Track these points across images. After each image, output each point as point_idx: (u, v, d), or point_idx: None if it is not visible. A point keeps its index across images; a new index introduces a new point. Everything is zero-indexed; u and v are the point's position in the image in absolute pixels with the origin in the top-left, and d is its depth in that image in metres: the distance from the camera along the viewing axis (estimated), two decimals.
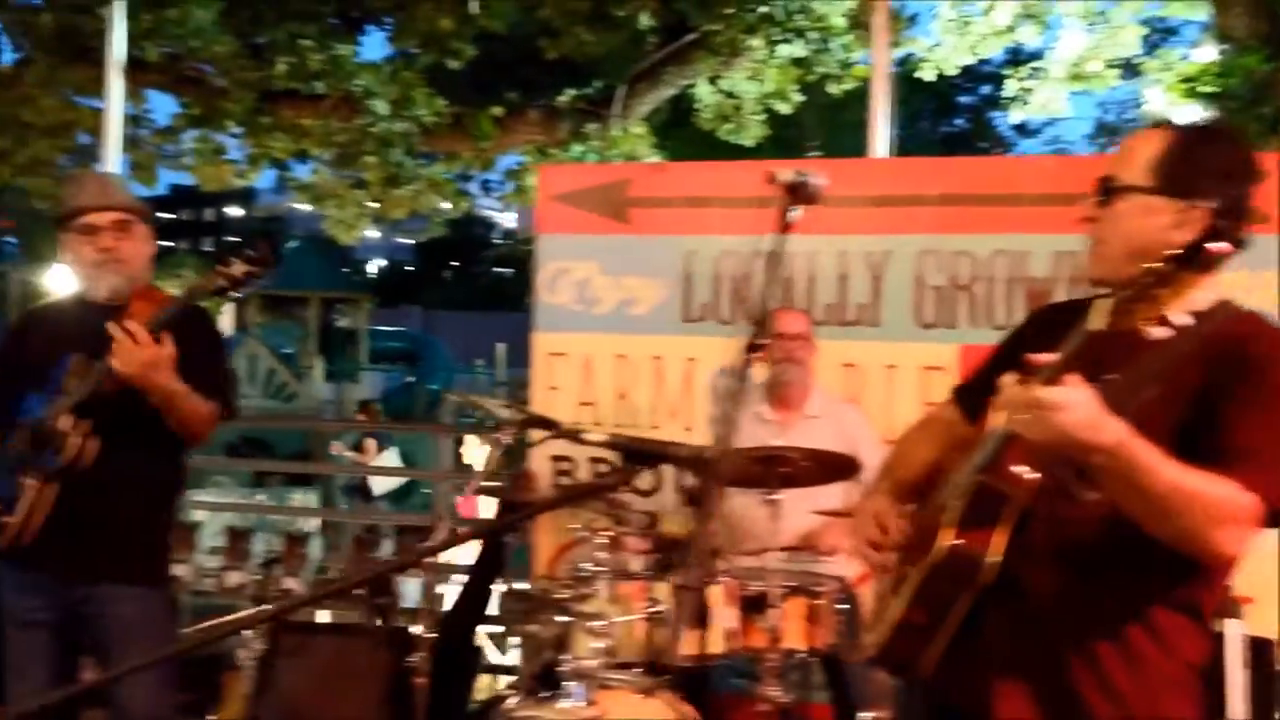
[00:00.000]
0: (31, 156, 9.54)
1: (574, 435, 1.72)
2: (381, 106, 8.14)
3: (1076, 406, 1.83)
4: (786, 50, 9.04)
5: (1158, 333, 1.91)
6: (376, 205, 9.58)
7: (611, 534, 3.50)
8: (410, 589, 6.06)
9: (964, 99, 18.09)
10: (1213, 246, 1.75)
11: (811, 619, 3.61)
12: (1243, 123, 8.16)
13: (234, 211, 49.24)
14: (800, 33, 8.25)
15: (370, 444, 11.36)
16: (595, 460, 5.00)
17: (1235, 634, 3.81)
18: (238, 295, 2.92)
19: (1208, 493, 1.89)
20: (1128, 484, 1.90)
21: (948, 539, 2.10)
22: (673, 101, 9.52)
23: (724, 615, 3.52)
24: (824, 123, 13.99)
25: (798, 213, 2.21)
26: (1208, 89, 8.43)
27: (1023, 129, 21.66)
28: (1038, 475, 2.06)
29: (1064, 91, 10.86)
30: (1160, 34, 11.12)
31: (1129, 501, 1.93)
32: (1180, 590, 2.07)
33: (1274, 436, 1.94)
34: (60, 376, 3.06)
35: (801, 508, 3.95)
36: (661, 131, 9.70)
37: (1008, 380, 1.94)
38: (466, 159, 9.29)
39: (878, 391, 4.88)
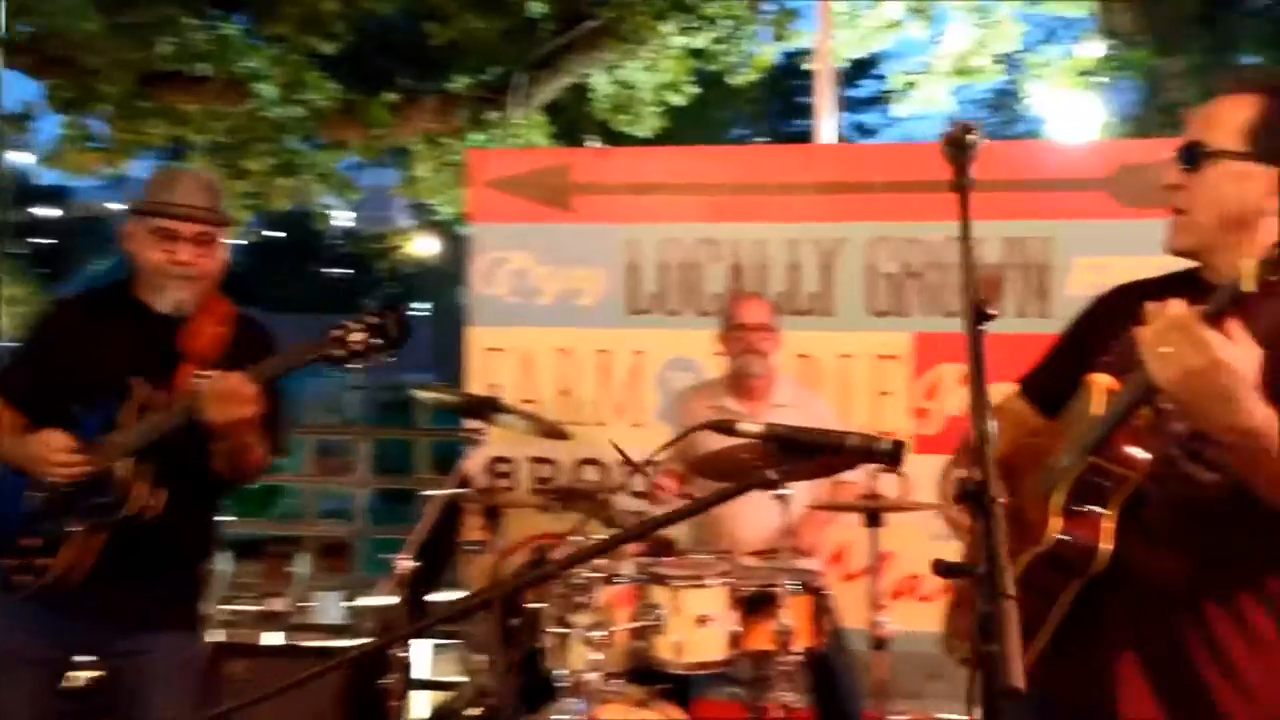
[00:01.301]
0: None
1: (727, 428, 1.52)
2: (270, 90, 7.68)
3: (1236, 367, 1.68)
4: (683, 40, 8.91)
5: None
6: (255, 199, 9.07)
7: (603, 537, 3.30)
8: (329, 605, 5.73)
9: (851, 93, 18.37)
10: None
11: (816, 619, 3.47)
12: (1137, 115, 8.42)
13: (48, 212, 45.77)
14: (711, 20, 8.12)
15: None
16: (584, 462, 4.79)
17: None
18: (353, 367, 2.53)
19: None
20: (1260, 464, 1.79)
21: (1057, 526, 1.97)
22: (570, 91, 9.29)
23: (726, 618, 3.34)
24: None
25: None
26: (1100, 81, 8.69)
27: (861, 129, 22.19)
28: (1149, 456, 1.93)
29: (948, 86, 11.07)
30: (1042, 29, 11.36)
31: (1256, 479, 1.82)
32: None
33: None
34: (115, 403, 2.68)
35: (770, 506, 3.81)
36: (561, 121, 9.45)
37: (1173, 303, 1.77)
38: (356, 148, 8.89)
39: (832, 381, 4.78)
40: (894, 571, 4.44)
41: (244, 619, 5.32)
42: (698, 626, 3.32)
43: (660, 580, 3.36)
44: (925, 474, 2.72)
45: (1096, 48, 9.26)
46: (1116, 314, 2.18)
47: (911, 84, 11.01)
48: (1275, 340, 1.84)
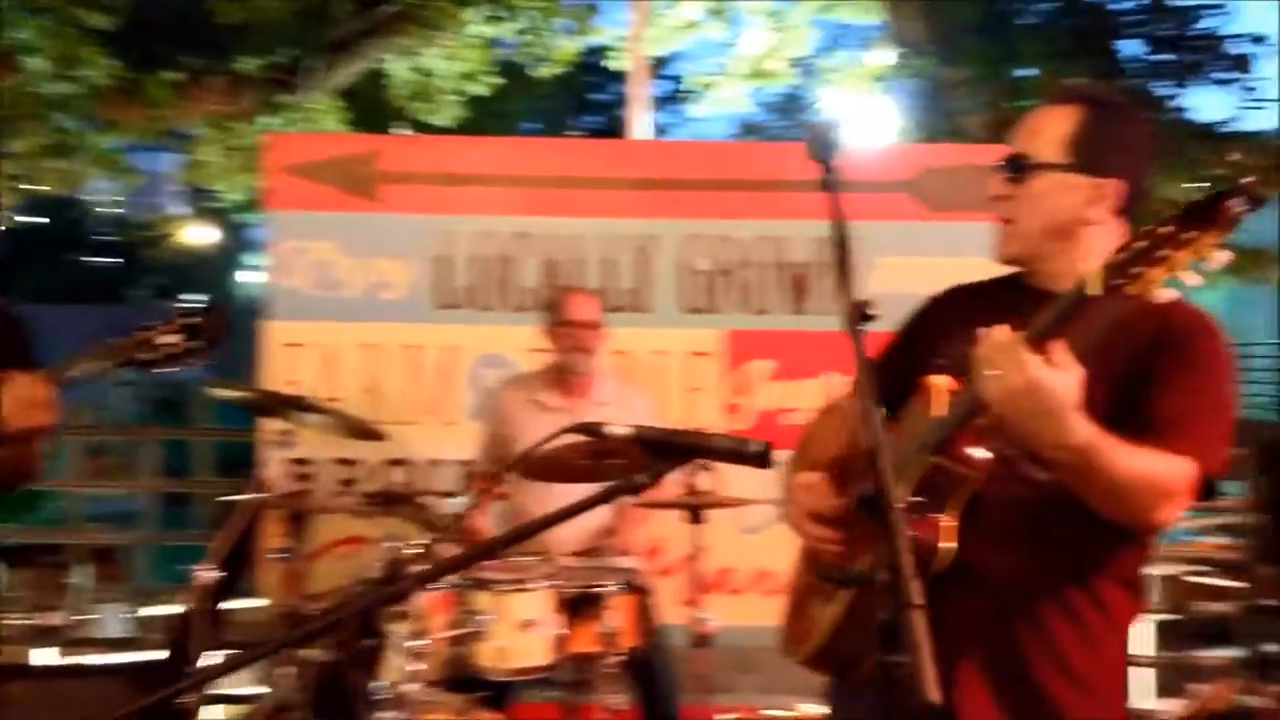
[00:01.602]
0: None
1: (595, 431, 1.43)
2: (40, 64, 7.10)
3: (1057, 390, 1.74)
4: (487, 30, 8.77)
5: (1165, 295, 1.81)
6: (22, 181, 8.40)
7: (424, 542, 3.16)
8: (109, 618, 5.34)
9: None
10: (1232, 203, 1.58)
11: (639, 618, 3.42)
12: (925, 120, 8.77)
13: None
14: (513, 10, 7.99)
15: None
16: (391, 462, 4.59)
17: None
18: (165, 370, 2.25)
19: (1157, 471, 1.87)
20: (1082, 477, 1.85)
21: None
22: (368, 77, 8.99)
23: (550, 622, 3.26)
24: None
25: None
26: (891, 87, 9.01)
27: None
28: (990, 455, 1.96)
29: (745, 88, 11.30)
30: (835, 36, 11.73)
31: (1084, 487, 1.88)
32: (1119, 562, 2.05)
33: (1203, 405, 1.95)
34: None
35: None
36: (357, 107, 9.14)
37: (998, 330, 1.81)
38: (134, 129, 8.33)
39: (646, 378, 4.75)
40: (706, 565, 4.46)
41: (13, 634, 4.88)
42: (522, 631, 3.23)
43: (483, 585, 3.24)
44: (737, 469, 2.71)
45: (887, 55, 9.61)
46: (949, 315, 2.21)
47: (709, 84, 11.20)
48: (1114, 342, 1.90)
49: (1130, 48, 9.85)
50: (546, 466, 3.32)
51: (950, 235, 4.63)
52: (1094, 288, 1.69)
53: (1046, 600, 2.02)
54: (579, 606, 3.37)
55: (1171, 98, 9.22)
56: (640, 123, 5.13)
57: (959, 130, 8.33)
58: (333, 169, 4.79)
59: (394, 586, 1.54)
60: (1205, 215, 1.62)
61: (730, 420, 4.83)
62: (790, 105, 16.56)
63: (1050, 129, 2.07)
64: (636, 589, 3.58)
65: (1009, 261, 2.16)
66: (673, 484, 3.99)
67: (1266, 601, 5.26)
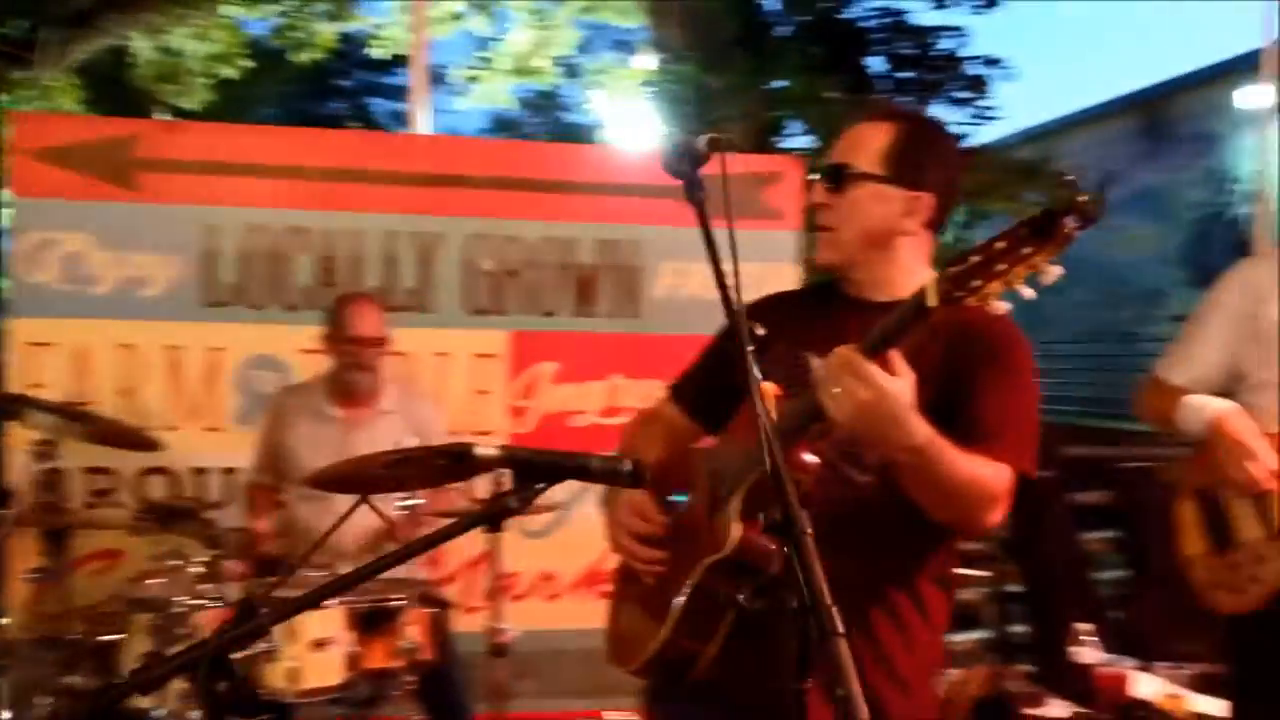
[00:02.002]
0: None
1: (461, 453, 1.34)
2: None
3: (900, 396, 1.79)
4: (241, 12, 8.35)
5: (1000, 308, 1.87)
6: None
7: (207, 559, 2.95)
8: None
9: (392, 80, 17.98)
10: (1068, 221, 1.62)
11: (433, 630, 3.32)
12: (688, 127, 8.92)
13: None
14: None
15: None
16: (149, 471, 4.26)
17: None
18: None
19: (985, 476, 1.95)
20: (923, 477, 1.91)
21: (737, 532, 1.98)
22: (110, 55, 8.37)
23: (344, 639, 3.11)
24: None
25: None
26: (652, 93, 9.13)
27: (398, 117, 22.02)
28: (818, 460, 2.00)
29: (507, 84, 11.21)
30: (597, 37, 11.81)
31: (919, 490, 1.94)
32: (935, 562, 2.14)
33: (1019, 413, 2.06)
34: None
35: (367, 511, 3.60)
36: (94, 87, 8.49)
37: (841, 349, 1.84)
38: None
39: (429, 381, 4.63)
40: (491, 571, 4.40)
41: None
42: (314, 650, 3.07)
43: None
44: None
45: (650, 60, 9.75)
46: (768, 321, 2.24)
47: (475, 78, 11.06)
48: (927, 348, 1.97)
49: (877, 64, 10.39)
50: (337, 478, 3.16)
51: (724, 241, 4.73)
52: (932, 299, 1.74)
53: (874, 605, 2.08)
54: (372, 621, 3.24)
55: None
56: (422, 116, 4.98)
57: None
58: (85, 154, 4.41)
59: (252, 623, 1.40)
60: (1042, 232, 1.68)
61: (514, 423, 4.76)
62: (547, 103, 16.59)
63: (869, 142, 2.13)
64: (432, 601, 3.47)
65: (828, 268, 2.21)
66: (460, 491, 3.92)
67: (1010, 588, 5.66)
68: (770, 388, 2.06)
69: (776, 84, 9.67)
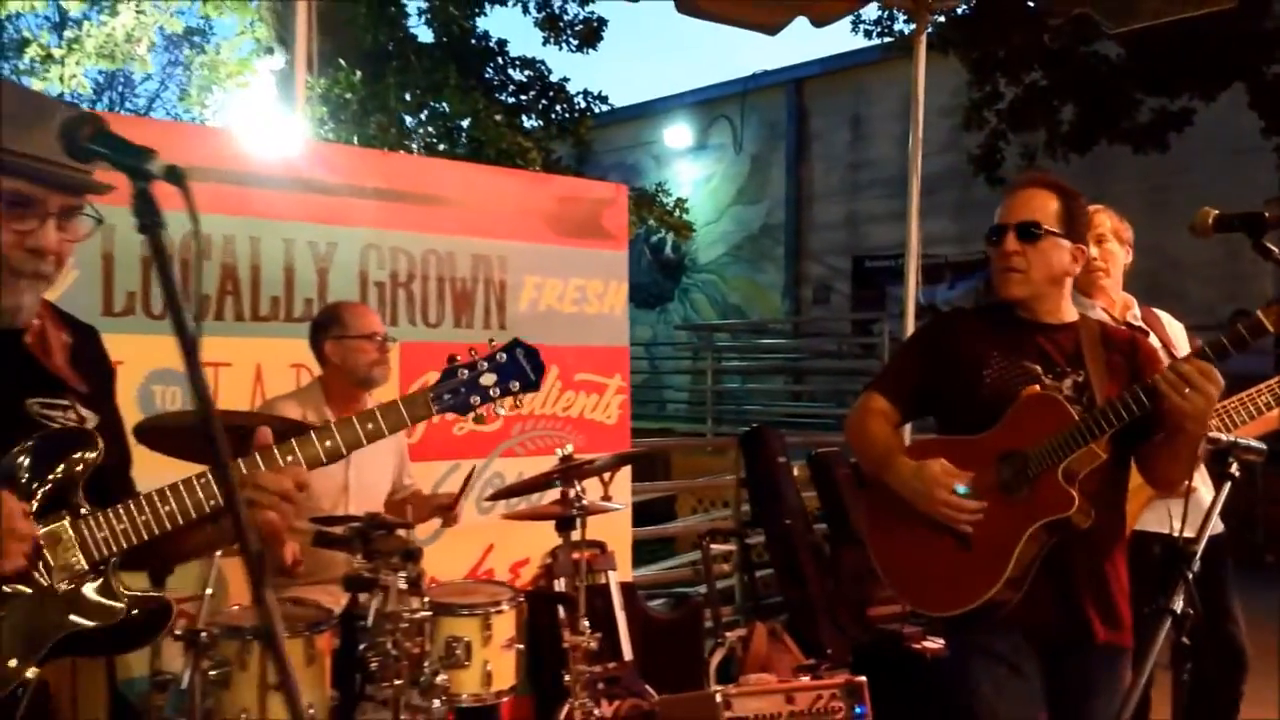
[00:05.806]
0: None
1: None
2: None
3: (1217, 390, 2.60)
4: None
5: None
6: None
7: None
8: None
9: None
10: None
11: None
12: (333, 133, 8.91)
13: None
14: None
15: None
16: None
17: (614, 582, 4.53)
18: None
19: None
20: (1195, 446, 2.67)
21: (1076, 497, 2.69)
22: None
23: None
24: None
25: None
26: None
27: None
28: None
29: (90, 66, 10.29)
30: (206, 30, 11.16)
31: (1187, 454, 2.69)
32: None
33: None
34: None
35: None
36: None
37: (1195, 362, 2.58)
38: None
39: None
40: None
41: None
42: (505, 650, 3.16)
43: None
44: None
45: (275, 61, 9.52)
46: (962, 334, 2.94)
47: (47, 56, 10.05)
48: (1130, 359, 2.91)
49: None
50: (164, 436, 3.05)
51: (576, 259, 5.26)
52: (1271, 324, 2.55)
53: (1120, 547, 2.89)
54: None
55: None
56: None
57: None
58: None
59: None
60: None
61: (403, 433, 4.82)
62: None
63: (1045, 206, 2.92)
64: None
65: (1016, 301, 2.94)
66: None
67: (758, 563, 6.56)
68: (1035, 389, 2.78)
69: (406, 96, 9.90)
